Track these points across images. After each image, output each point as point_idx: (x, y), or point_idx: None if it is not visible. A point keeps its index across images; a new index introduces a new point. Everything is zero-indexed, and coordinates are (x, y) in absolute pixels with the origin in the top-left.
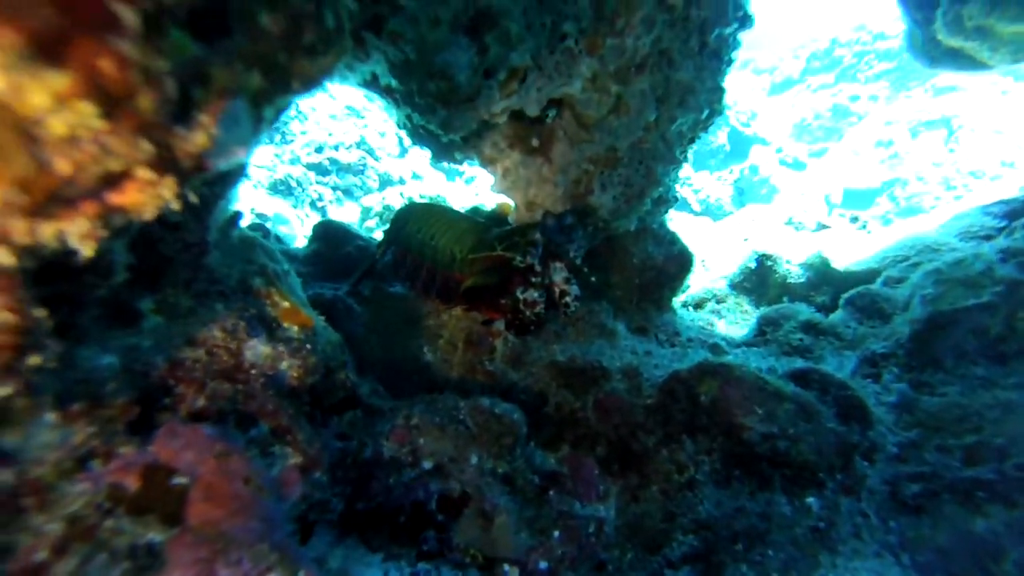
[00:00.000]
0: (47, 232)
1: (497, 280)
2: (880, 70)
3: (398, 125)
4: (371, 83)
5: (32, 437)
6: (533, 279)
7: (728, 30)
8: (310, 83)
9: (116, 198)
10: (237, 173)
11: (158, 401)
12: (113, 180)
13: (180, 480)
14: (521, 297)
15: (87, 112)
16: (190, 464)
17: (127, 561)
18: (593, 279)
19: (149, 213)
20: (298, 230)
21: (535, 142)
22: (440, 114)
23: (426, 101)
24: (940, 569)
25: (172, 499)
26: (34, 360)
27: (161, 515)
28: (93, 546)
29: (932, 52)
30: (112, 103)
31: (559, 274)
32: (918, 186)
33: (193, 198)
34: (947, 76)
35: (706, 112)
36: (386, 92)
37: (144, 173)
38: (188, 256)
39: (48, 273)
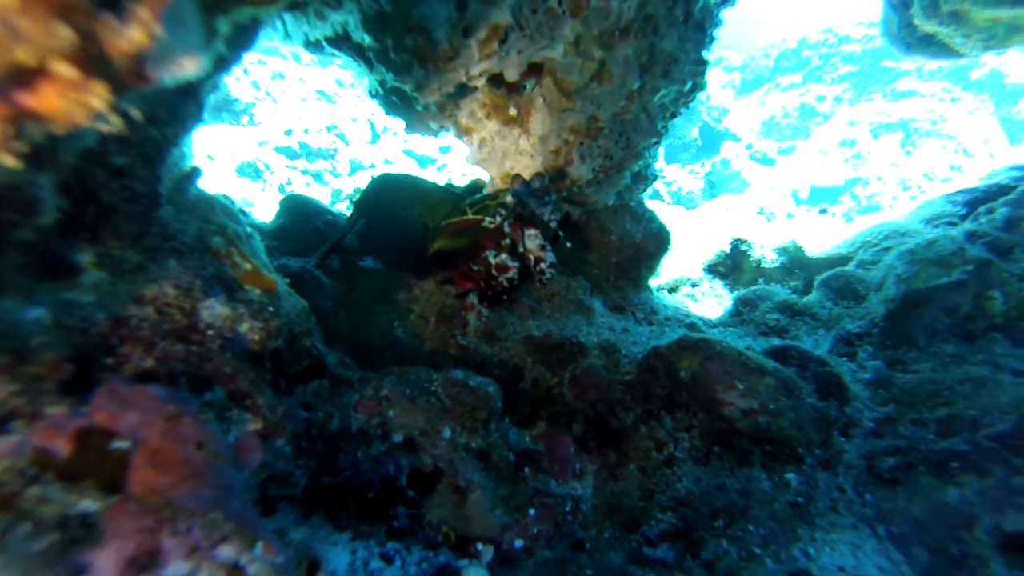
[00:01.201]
0: None
1: (467, 243)
2: (844, 72)
3: (370, 94)
4: (341, 41)
5: None
6: (503, 241)
7: (713, 0)
8: None
9: (30, 100)
10: (191, 114)
11: (99, 361)
12: (24, 76)
13: (121, 444)
14: (493, 262)
15: None
16: (133, 427)
17: (56, 532)
18: (569, 245)
19: (74, 124)
20: (265, 214)
21: (513, 112)
22: (416, 73)
23: (402, 58)
24: (915, 539)
25: (111, 465)
26: None
27: (97, 482)
28: (14, 516)
29: (908, 38)
30: None
31: (534, 241)
32: (877, 186)
33: (139, 117)
34: (904, 81)
35: (689, 84)
36: (357, 52)
37: (64, 69)
38: (136, 207)
39: None
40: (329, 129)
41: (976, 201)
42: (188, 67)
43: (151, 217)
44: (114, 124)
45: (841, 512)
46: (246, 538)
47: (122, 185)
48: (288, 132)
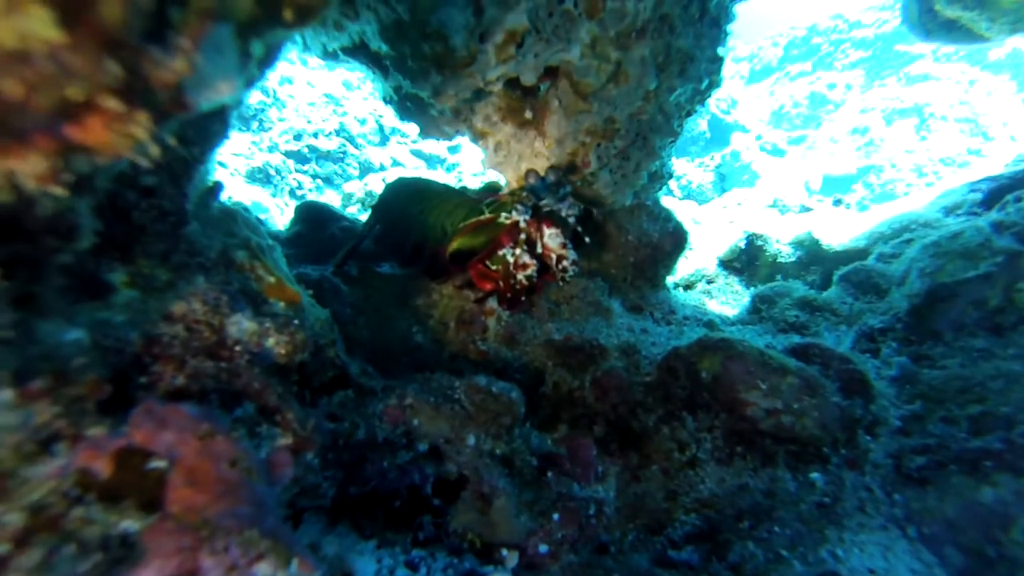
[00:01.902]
0: None
1: (484, 241)
2: (856, 58)
3: (384, 100)
4: (358, 50)
5: None
6: (520, 237)
7: None
8: (305, 15)
9: (78, 133)
10: (217, 132)
11: (133, 380)
12: (74, 111)
13: (158, 464)
14: (511, 259)
15: (41, 17)
16: (169, 446)
17: (99, 553)
18: (588, 240)
19: (118, 155)
20: (277, 219)
21: (528, 114)
22: (433, 79)
23: (419, 65)
24: (947, 540)
25: (149, 484)
26: None
27: (137, 502)
28: (60, 537)
29: (928, 24)
30: (72, 9)
31: (555, 240)
32: (891, 173)
33: (173, 142)
34: (919, 64)
35: (705, 82)
36: (374, 61)
37: (111, 103)
38: (164, 226)
39: (2, 232)
40: (338, 132)
41: (1002, 189)
42: (224, 92)
43: (179, 235)
44: (154, 154)
45: (869, 512)
46: (282, 555)
47: (151, 204)
48: (298, 137)
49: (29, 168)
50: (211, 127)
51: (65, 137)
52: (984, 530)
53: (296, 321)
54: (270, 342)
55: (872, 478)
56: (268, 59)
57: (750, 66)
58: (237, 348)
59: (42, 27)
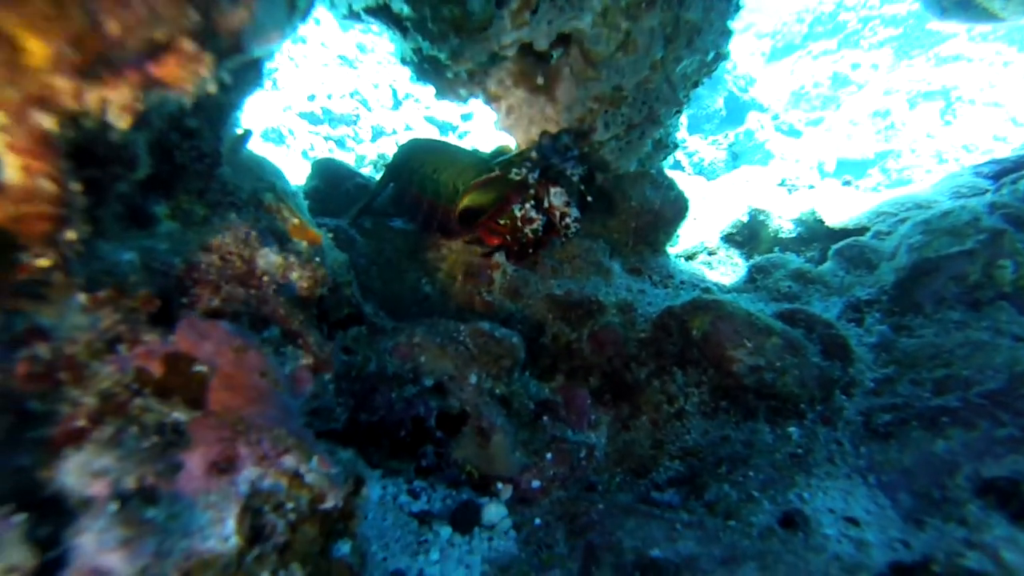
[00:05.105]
0: (92, 98)
1: (494, 197)
2: (885, 36)
3: (401, 61)
4: (380, 11)
5: (65, 317)
6: (528, 193)
7: None
8: None
9: (158, 70)
10: (251, 80)
11: (175, 300)
12: (157, 50)
13: (200, 368)
14: (518, 214)
15: None
16: (209, 355)
17: (156, 436)
18: (590, 199)
19: (187, 90)
20: (291, 180)
21: (540, 80)
22: (452, 42)
23: (439, 27)
24: (902, 487)
25: (194, 385)
26: (71, 235)
27: (184, 399)
28: (125, 420)
29: (943, 2)
30: None
31: (559, 198)
32: (911, 158)
33: (227, 79)
34: (951, 44)
35: (712, 54)
36: (395, 22)
37: (187, 45)
38: (202, 166)
39: (79, 156)
40: (352, 95)
41: (1004, 171)
42: (274, 39)
43: (214, 175)
44: (212, 91)
45: (837, 463)
46: (304, 452)
47: (192, 145)
48: (311, 98)
49: (118, 98)
50: (248, 75)
51: (148, 73)
52: (934, 477)
53: (317, 259)
54: (294, 275)
55: (843, 433)
56: (306, 12)
57: (772, 43)
58: (265, 278)
59: None
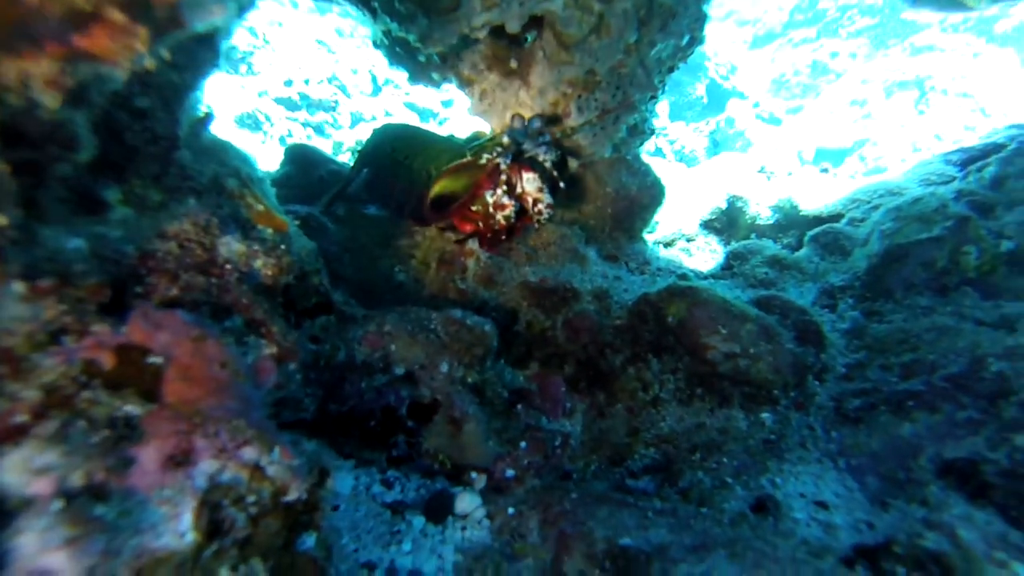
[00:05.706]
0: (10, 71)
1: (466, 184)
2: (862, 25)
3: (374, 44)
4: None
5: (1, 308)
6: (500, 179)
7: None
8: None
9: (84, 42)
10: (207, 60)
11: (129, 289)
12: (82, 21)
13: (155, 360)
14: (490, 200)
15: None
16: (165, 346)
17: (106, 429)
18: (563, 185)
19: (121, 65)
20: (267, 166)
21: (514, 64)
22: (420, 23)
23: (406, 8)
24: (870, 470)
25: (148, 377)
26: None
27: (137, 391)
28: (72, 414)
29: None
30: None
31: (532, 184)
32: (886, 147)
33: (167, 57)
34: (925, 35)
35: (687, 38)
36: (363, 2)
37: (115, 15)
38: (157, 149)
39: (6, 135)
40: (330, 80)
41: (971, 159)
42: (216, 13)
43: (171, 158)
44: (150, 67)
45: (809, 448)
46: (266, 442)
47: (144, 127)
48: (288, 83)
49: (40, 71)
50: (201, 54)
51: (73, 44)
52: (899, 459)
53: (283, 246)
54: (258, 263)
55: (815, 418)
56: None
57: (753, 31)
58: (227, 267)
59: None
